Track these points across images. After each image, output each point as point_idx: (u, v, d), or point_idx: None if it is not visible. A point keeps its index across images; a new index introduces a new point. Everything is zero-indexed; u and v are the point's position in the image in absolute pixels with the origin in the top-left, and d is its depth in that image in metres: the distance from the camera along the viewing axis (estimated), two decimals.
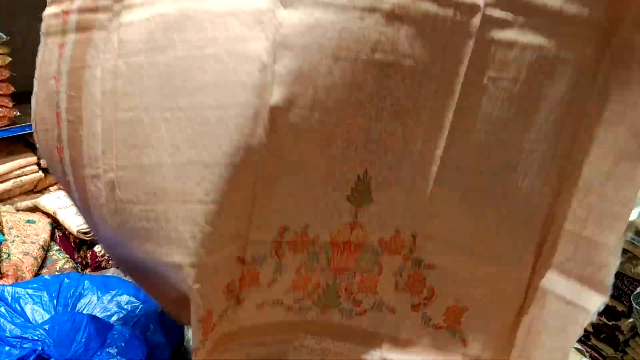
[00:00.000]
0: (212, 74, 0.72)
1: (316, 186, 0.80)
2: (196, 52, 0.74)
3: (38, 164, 1.92)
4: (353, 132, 0.77)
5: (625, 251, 1.46)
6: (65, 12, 0.92)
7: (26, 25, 2.12)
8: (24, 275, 1.50)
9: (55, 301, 1.29)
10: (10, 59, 1.77)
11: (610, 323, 1.50)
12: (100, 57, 0.84)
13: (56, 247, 1.70)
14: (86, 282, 1.34)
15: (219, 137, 0.72)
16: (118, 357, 1.14)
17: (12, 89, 1.80)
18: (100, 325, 1.19)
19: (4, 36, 1.74)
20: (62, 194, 1.86)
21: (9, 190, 1.88)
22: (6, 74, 1.78)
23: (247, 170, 0.74)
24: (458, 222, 0.85)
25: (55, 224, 1.77)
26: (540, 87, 0.79)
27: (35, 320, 1.22)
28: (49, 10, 0.92)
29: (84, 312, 1.26)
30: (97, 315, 1.25)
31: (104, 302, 1.29)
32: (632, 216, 1.41)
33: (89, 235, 1.60)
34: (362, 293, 0.91)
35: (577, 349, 1.42)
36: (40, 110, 0.95)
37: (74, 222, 1.63)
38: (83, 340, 1.15)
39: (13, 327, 1.21)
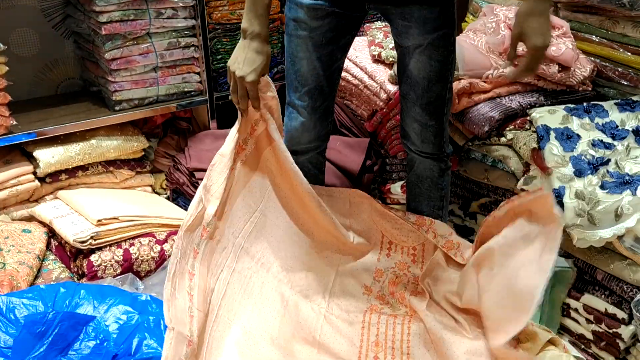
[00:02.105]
0: None
1: None
2: None
3: (34, 173, 1.90)
4: None
5: (624, 257, 1.45)
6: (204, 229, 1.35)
7: (23, 35, 2.12)
8: (19, 285, 1.49)
9: (60, 311, 1.27)
10: (7, 68, 1.77)
11: (610, 331, 1.48)
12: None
13: (52, 257, 1.68)
14: (82, 291, 1.32)
15: None
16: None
17: (9, 98, 1.79)
18: (75, 322, 1.18)
19: (2, 45, 1.73)
20: (58, 203, 1.85)
21: (4, 200, 1.86)
22: (3, 83, 1.77)
23: None
24: None
25: (51, 233, 1.75)
26: None
27: None
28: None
29: None
30: None
31: (100, 312, 1.28)
32: (631, 223, 1.40)
33: (85, 244, 1.59)
34: None
35: (577, 357, 1.41)
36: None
37: (70, 231, 1.62)
38: (47, 342, 1.14)
39: (7, 337, 1.20)
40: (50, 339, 1.15)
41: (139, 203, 1.88)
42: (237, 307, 1.44)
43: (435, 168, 1.59)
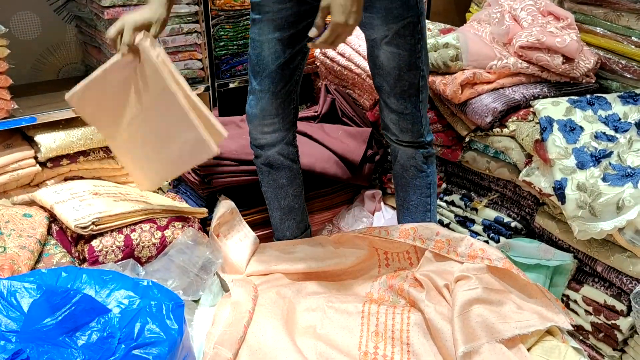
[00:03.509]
0: None
1: None
2: None
3: (35, 158, 1.90)
4: None
5: (624, 250, 1.46)
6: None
7: (25, 18, 2.11)
8: (20, 269, 1.49)
9: (82, 292, 1.27)
10: (8, 51, 1.76)
11: (609, 322, 1.49)
12: None
13: (53, 241, 1.68)
14: (84, 276, 1.32)
15: None
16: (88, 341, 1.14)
17: (10, 81, 1.78)
18: (91, 307, 1.18)
19: (3, 28, 1.72)
20: (59, 187, 1.84)
21: (5, 184, 1.85)
22: (4, 66, 1.76)
23: None
24: None
25: (52, 218, 1.75)
26: None
27: None
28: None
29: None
30: None
31: (102, 297, 1.28)
32: (632, 215, 1.40)
33: (87, 230, 1.59)
34: None
35: (575, 348, 1.42)
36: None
37: (71, 216, 1.62)
38: (59, 318, 1.14)
39: (9, 321, 1.20)
40: (62, 316, 1.16)
41: (139, 200, 1.87)
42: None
43: (417, 156, 1.61)
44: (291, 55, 1.54)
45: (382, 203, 2.15)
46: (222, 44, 2.17)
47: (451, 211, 1.97)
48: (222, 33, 2.16)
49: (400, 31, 1.42)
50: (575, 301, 1.58)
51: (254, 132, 1.65)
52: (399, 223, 1.75)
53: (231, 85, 2.22)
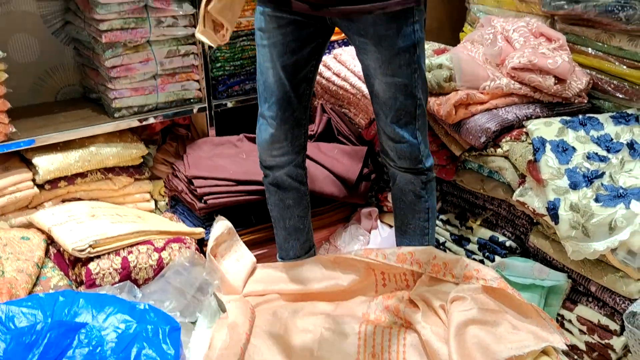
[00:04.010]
0: None
1: None
2: None
3: (33, 180, 1.91)
4: None
5: (617, 270, 1.47)
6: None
7: (23, 41, 2.13)
8: (18, 293, 1.49)
9: (49, 320, 1.28)
10: (7, 75, 1.78)
11: (603, 342, 1.50)
12: None
13: (50, 264, 1.69)
14: (81, 300, 1.33)
15: None
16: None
17: (9, 105, 1.80)
18: (66, 329, 1.19)
19: (1, 52, 1.74)
20: (57, 210, 1.85)
21: (3, 207, 1.86)
22: (2, 90, 1.78)
23: None
24: None
25: (50, 241, 1.76)
26: None
27: None
28: None
29: None
30: None
31: (99, 322, 1.29)
32: (624, 236, 1.42)
33: (84, 252, 1.60)
34: None
35: None
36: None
37: (69, 239, 1.63)
38: (38, 352, 1.15)
39: (5, 345, 1.20)
40: (41, 348, 1.16)
41: (136, 222, 1.88)
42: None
43: (416, 182, 1.60)
44: (297, 82, 1.54)
45: (378, 221, 2.16)
46: (218, 65, 2.20)
47: (447, 230, 1.98)
48: (218, 54, 2.19)
49: (395, 60, 1.41)
50: (569, 321, 1.59)
51: (263, 154, 1.66)
52: (397, 245, 1.75)
53: (228, 105, 2.24)
